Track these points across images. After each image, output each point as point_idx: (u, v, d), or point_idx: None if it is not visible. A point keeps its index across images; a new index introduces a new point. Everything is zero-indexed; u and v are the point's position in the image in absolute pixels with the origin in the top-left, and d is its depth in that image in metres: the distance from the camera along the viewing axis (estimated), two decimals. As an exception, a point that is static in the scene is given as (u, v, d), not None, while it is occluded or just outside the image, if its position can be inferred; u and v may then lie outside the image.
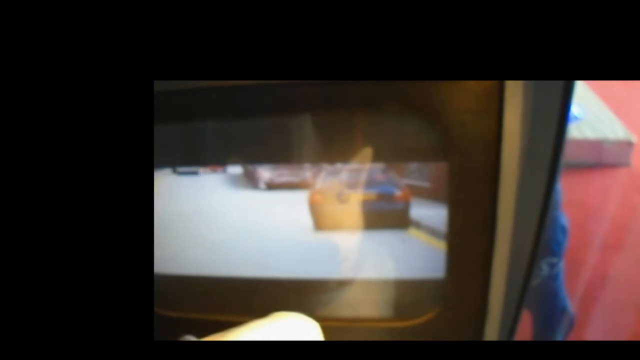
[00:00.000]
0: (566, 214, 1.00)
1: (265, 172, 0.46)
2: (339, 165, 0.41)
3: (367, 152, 0.38)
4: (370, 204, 0.44)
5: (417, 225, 0.43)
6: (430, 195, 0.41)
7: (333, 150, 0.39)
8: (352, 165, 0.41)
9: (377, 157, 0.38)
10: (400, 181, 0.42)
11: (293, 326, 0.28)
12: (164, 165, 0.42)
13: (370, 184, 0.43)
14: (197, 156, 0.43)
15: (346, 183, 0.43)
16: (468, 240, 0.37)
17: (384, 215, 0.45)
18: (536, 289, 1.00)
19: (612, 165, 2.20)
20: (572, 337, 1.09)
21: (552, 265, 0.99)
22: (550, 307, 1.05)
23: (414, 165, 0.41)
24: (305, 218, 0.44)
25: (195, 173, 0.44)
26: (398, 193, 0.43)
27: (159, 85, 0.29)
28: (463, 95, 0.34)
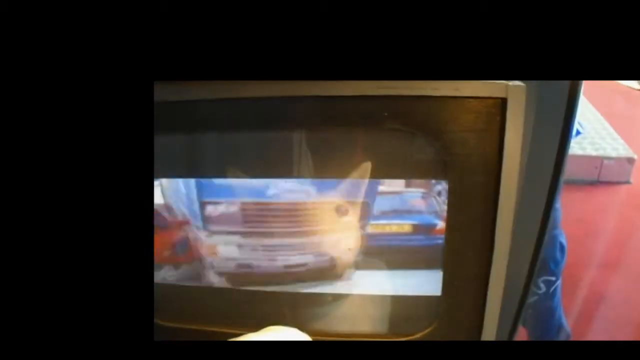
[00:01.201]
0: (565, 231, 0.99)
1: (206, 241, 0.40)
2: (363, 189, 0.37)
3: (367, 167, 0.37)
4: (402, 238, 0.39)
5: None
6: None
7: (333, 164, 0.39)
8: (385, 188, 0.37)
9: (376, 173, 0.38)
10: (444, 208, 0.36)
11: (285, 339, 0.28)
12: (164, 175, 0.42)
13: (405, 212, 0.38)
14: (197, 167, 0.42)
15: (375, 210, 0.38)
16: (465, 257, 0.37)
17: (420, 253, 0.39)
18: (533, 306, 0.99)
19: (612, 183, 2.20)
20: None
21: (550, 284, 0.99)
22: (546, 325, 1.05)
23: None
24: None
25: None
26: (440, 224, 0.38)
27: (161, 96, 0.29)
28: (465, 113, 0.34)
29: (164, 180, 0.41)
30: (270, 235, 0.41)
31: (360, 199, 0.39)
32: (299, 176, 0.39)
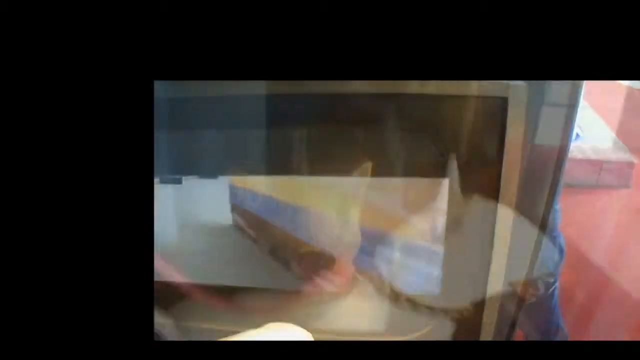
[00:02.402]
0: (564, 233, 1.00)
1: None
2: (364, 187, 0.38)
3: (368, 166, 0.37)
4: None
5: None
6: None
7: (333, 162, 0.39)
8: None
9: (377, 172, 0.38)
10: None
11: (286, 337, 0.28)
12: (163, 173, 0.42)
13: None
14: (196, 165, 0.42)
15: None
16: (465, 257, 0.37)
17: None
18: (530, 308, 0.99)
19: (612, 187, 2.20)
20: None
21: (548, 285, 0.99)
22: (544, 327, 1.05)
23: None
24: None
25: (179, 182, 0.42)
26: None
27: (160, 92, 0.29)
28: (466, 112, 0.34)
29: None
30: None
31: (360, 197, 0.39)
32: (298, 174, 0.39)
